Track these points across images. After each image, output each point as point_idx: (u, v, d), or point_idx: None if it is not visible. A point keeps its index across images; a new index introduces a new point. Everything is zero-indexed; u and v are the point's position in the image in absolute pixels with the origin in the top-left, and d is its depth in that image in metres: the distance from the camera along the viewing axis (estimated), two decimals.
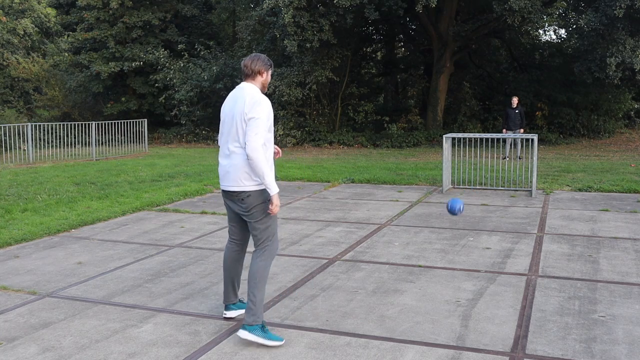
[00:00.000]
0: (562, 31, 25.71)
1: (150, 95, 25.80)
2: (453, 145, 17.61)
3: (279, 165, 14.43)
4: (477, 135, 10.48)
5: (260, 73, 3.96)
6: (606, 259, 5.72)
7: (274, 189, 3.78)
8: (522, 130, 15.72)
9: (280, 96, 20.00)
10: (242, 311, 4.23)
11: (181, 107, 23.62)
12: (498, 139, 18.13)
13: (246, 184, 3.85)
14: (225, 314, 4.24)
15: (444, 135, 10.21)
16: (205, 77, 22.91)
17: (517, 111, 15.62)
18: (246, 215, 3.92)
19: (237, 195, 3.89)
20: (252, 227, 3.93)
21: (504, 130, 15.79)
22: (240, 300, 4.29)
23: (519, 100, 16.25)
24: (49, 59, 28.83)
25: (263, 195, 3.86)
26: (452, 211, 5.38)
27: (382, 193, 10.10)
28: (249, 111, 3.78)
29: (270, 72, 4.04)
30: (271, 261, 3.95)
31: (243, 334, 3.79)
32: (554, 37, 29.99)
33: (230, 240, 4.18)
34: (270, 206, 3.83)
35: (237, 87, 4.00)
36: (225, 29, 30.55)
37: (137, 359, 3.63)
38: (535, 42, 25.48)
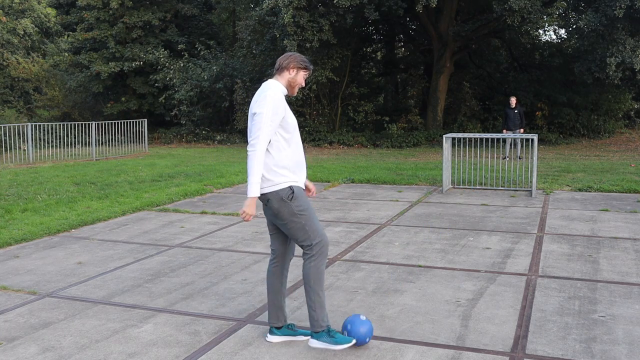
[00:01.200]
0: (562, 31, 25.72)
1: (150, 95, 25.80)
2: (453, 145, 17.61)
3: None
4: (477, 135, 10.48)
5: (287, 69, 3.73)
6: (606, 259, 5.72)
7: (252, 191, 3.52)
8: (522, 130, 15.73)
9: None
10: (286, 338, 3.85)
11: (181, 107, 23.62)
12: (498, 139, 18.14)
13: (264, 186, 3.61)
14: (267, 336, 3.88)
15: (444, 135, 10.20)
16: (205, 77, 22.91)
17: (516, 111, 15.63)
18: (276, 220, 3.68)
19: (262, 198, 3.65)
20: (287, 232, 3.69)
21: (504, 131, 15.81)
22: (288, 327, 3.88)
23: (517, 100, 16.25)
24: (49, 59, 28.83)
25: (283, 196, 3.59)
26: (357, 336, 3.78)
27: (382, 193, 10.10)
28: (252, 106, 3.64)
29: (302, 73, 3.77)
30: (323, 260, 3.68)
31: (313, 342, 3.68)
32: (554, 37, 30.01)
33: (271, 251, 3.92)
34: (240, 211, 3.58)
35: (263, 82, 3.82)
36: (225, 29, 30.56)
37: (137, 359, 3.63)
38: (535, 42, 25.48)
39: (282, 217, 3.63)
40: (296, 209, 3.61)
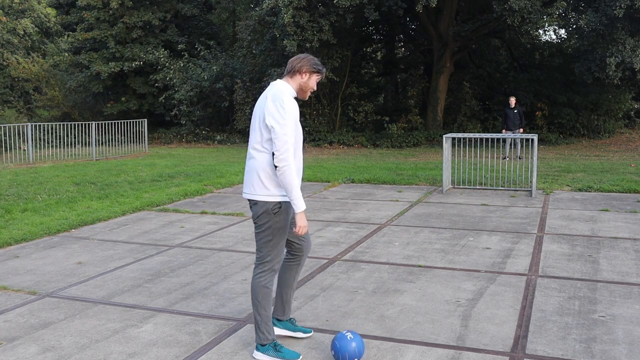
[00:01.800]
0: (562, 31, 25.72)
1: (150, 95, 25.80)
2: (453, 145, 17.61)
3: None
4: (477, 135, 10.48)
5: (300, 72, 3.60)
6: (606, 259, 5.72)
7: (299, 205, 3.44)
8: (521, 130, 15.73)
9: None
10: (285, 332, 3.88)
11: (181, 107, 23.62)
12: (498, 139, 18.14)
13: (257, 192, 3.54)
14: None
15: (444, 135, 10.21)
16: (205, 77, 22.91)
17: (515, 111, 15.65)
18: (254, 224, 3.63)
19: (249, 201, 3.62)
20: (255, 236, 3.64)
21: (504, 131, 15.81)
22: (290, 321, 3.91)
23: (517, 100, 16.26)
24: (49, 59, 28.84)
25: (269, 208, 3.53)
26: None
27: (382, 193, 10.10)
28: (269, 114, 3.44)
29: (315, 77, 3.65)
30: (272, 278, 3.64)
31: (257, 354, 3.62)
32: (554, 37, 30.02)
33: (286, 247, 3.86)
34: (294, 227, 3.54)
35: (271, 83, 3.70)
36: (225, 29, 30.56)
37: (137, 359, 3.63)
38: (535, 42, 25.48)
39: (258, 223, 3.58)
40: (275, 224, 3.55)
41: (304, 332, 3.90)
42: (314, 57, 3.67)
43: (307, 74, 3.62)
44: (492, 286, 4.93)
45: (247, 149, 22.21)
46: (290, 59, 3.66)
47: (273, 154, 3.47)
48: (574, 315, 4.25)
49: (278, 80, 3.65)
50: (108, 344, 3.86)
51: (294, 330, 3.89)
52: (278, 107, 3.43)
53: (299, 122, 3.64)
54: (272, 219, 3.54)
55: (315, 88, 3.72)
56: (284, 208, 3.56)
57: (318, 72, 3.66)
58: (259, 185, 3.54)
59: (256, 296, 3.61)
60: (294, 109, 3.49)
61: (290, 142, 3.42)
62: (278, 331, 3.87)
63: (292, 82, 3.63)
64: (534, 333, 3.94)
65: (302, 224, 3.51)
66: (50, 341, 3.93)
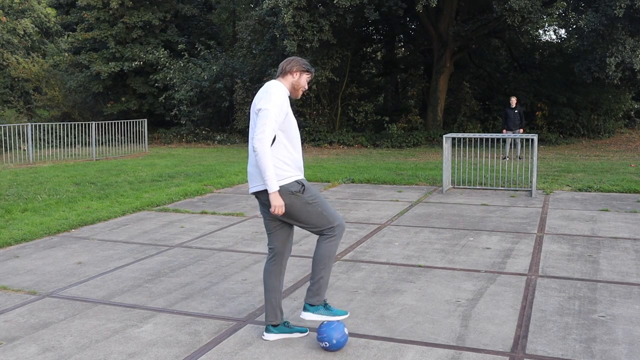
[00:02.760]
0: (562, 31, 25.73)
1: (150, 95, 25.81)
2: (453, 145, 17.62)
3: None
4: (477, 135, 10.48)
5: (291, 73, 3.81)
6: (606, 259, 5.72)
7: (273, 186, 3.55)
8: (521, 130, 15.74)
9: None
10: (283, 336, 3.87)
11: (181, 107, 23.63)
12: (498, 139, 18.14)
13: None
14: (263, 335, 3.90)
15: (444, 135, 10.21)
16: (205, 77, 22.92)
17: (516, 111, 15.65)
18: (285, 217, 3.71)
19: (263, 195, 3.69)
20: (302, 223, 3.73)
21: (504, 131, 15.81)
22: (285, 324, 3.90)
23: (517, 100, 16.26)
24: (49, 59, 28.84)
25: (292, 191, 3.63)
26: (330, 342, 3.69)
27: (382, 193, 10.10)
28: (258, 102, 3.67)
29: (305, 76, 3.85)
30: (339, 240, 3.82)
31: (306, 315, 3.80)
32: (554, 37, 30.02)
33: (268, 249, 3.94)
34: (271, 209, 3.60)
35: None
36: (225, 29, 30.56)
37: (137, 359, 3.63)
38: (535, 42, 25.49)
39: (294, 210, 3.68)
40: (309, 199, 3.70)
41: (301, 332, 3.93)
42: (303, 59, 3.86)
43: (298, 74, 3.81)
44: (492, 286, 4.93)
45: (247, 149, 22.19)
46: (281, 63, 3.85)
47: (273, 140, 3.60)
48: (574, 315, 4.25)
49: (272, 80, 3.80)
50: (108, 344, 3.86)
51: (291, 332, 3.90)
52: (265, 95, 3.65)
53: (293, 117, 3.78)
54: (303, 198, 3.67)
55: (306, 87, 3.89)
56: (306, 185, 3.72)
57: (307, 71, 3.85)
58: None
59: (325, 258, 3.75)
60: (283, 99, 3.64)
61: (271, 126, 3.55)
62: (274, 337, 3.86)
63: (285, 82, 3.82)
64: (534, 333, 3.94)
65: (276, 204, 3.58)
66: (50, 341, 3.93)
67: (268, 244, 3.92)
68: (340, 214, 8.19)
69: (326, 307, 3.83)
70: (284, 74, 3.82)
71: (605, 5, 16.77)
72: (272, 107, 3.58)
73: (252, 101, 21.67)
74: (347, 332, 3.70)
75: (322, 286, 3.80)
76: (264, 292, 3.89)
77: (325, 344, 3.65)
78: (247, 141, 22.96)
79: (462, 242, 6.50)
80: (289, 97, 3.82)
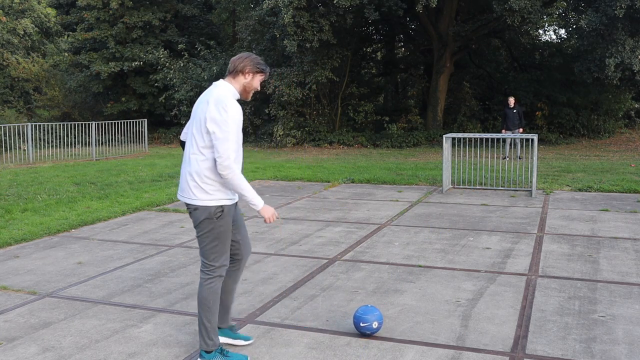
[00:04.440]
0: (562, 31, 25.73)
1: (150, 95, 25.81)
2: (453, 145, 17.61)
3: (279, 165, 14.43)
4: (477, 135, 10.49)
5: (243, 73, 3.47)
6: (606, 259, 5.72)
7: (258, 204, 3.44)
8: (521, 130, 15.75)
9: (280, 96, 20.00)
10: (225, 340, 3.79)
11: (181, 107, 23.63)
12: (498, 139, 18.14)
13: (197, 197, 3.43)
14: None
15: (444, 135, 10.21)
16: (205, 77, 22.92)
17: (515, 111, 15.68)
18: (196, 228, 3.52)
19: (187, 207, 3.51)
20: (198, 242, 3.53)
21: (503, 131, 15.82)
22: (230, 328, 3.82)
23: (516, 100, 16.28)
24: (49, 59, 28.84)
25: (211, 212, 3.42)
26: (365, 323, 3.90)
27: (382, 193, 10.10)
28: (210, 115, 3.33)
29: (259, 77, 3.53)
30: (218, 285, 3.54)
31: None
32: (554, 37, 30.03)
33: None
34: (265, 220, 3.52)
35: (213, 84, 3.55)
36: (225, 29, 30.56)
37: (137, 359, 3.63)
38: (535, 42, 25.48)
39: (202, 229, 3.47)
40: (218, 228, 3.46)
41: (245, 339, 3.79)
42: (257, 57, 3.55)
43: (251, 74, 3.50)
44: (492, 286, 4.93)
45: (246, 149, 22.10)
46: (232, 59, 3.52)
47: (215, 160, 3.37)
48: (574, 315, 4.25)
49: (220, 81, 3.51)
50: (108, 344, 3.86)
51: (235, 338, 3.78)
52: (221, 112, 3.31)
53: (240, 125, 3.53)
54: (215, 224, 3.44)
55: (259, 88, 3.61)
56: (226, 211, 3.47)
57: (262, 71, 3.53)
58: (199, 190, 3.42)
59: (207, 302, 3.50)
60: (237, 113, 3.37)
61: (232, 147, 3.33)
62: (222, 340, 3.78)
63: (235, 82, 3.50)
64: (534, 333, 3.94)
65: (267, 215, 3.52)
66: (50, 341, 3.93)
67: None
68: (340, 214, 8.19)
69: (223, 354, 3.53)
70: (235, 73, 3.48)
71: (605, 5, 16.77)
72: (231, 127, 3.31)
73: (253, 100, 21.35)
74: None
75: (208, 332, 3.50)
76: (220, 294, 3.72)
77: (375, 324, 3.83)
78: (247, 141, 23.00)
79: (462, 242, 6.50)
80: (239, 100, 3.61)
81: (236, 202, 3.64)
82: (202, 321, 3.51)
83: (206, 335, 3.50)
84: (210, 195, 3.42)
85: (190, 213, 3.52)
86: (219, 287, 3.57)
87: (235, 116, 3.34)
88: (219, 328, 3.75)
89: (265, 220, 3.52)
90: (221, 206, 3.45)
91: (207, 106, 3.37)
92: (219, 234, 3.48)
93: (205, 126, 3.35)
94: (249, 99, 3.60)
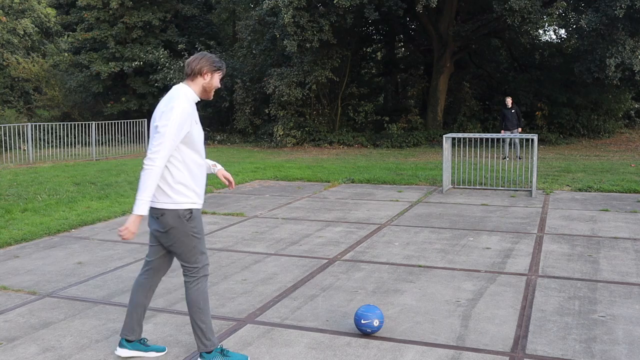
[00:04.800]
0: (562, 31, 25.72)
1: (151, 95, 25.80)
2: (453, 145, 17.61)
3: (279, 165, 14.43)
4: (477, 135, 10.49)
5: (201, 74, 3.45)
6: (606, 259, 5.72)
7: (142, 210, 3.25)
8: (520, 130, 15.77)
9: (280, 96, 20.00)
10: (137, 353, 3.64)
11: None
12: (498, 139, 18.14)
13: (162, 201, 3.37)
14: (116, 349, 3.68)
15: (444, 135, 10.21)
16: None
17: (513, 111, 15.73)
18: (163, 237, 3.45)
19: (152, 212, 3.42)
20: (173, 250, 3.48)
21: (502, 131, 15.84)
22: (140, 341, 3.67)
23: (513, 100, 16.32)
24: (49, 59, 28.83)
25: (179, 215, 3.37)
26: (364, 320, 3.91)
27: (382, 193, 10.10)
28: (158, 118, 3.32)
29: (217, 75, 3.51)
30: (206, 281, 3.54)
31: None
32: (554, 37, 30.00)
33: (145, 262, 3.67)
34: (120, 228, 3.30)
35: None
36: (225, 29, 30.56)
37: (137, 359, 3.63)
38: (535, 42, 25.47)
39: (173, 235, 3.41)
40: (191, 230, 3.42)
41: (158, 350, 3.69)
42: (212, 55, 3.52)
43: (209, 74, 3.48)
44: (492, 286, 4.93)
45: (246, 149, 22.06)
46: (188, 61, 3.49)
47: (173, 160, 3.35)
48: (574, 315, 4.25)
49: (179, 84, 3.50)
50: (108, 344, 3.86)
51: (147, 351, 3.65)
52: (167, 110, 3.31)
53: (200, 131, 3.49)
54: (187, 226, 3.41)
55: (219, 86, 3.59)
56: (195, 214, 3.44)
57: (219, 69, 3.51)
58: (163, 195, 3.37)
59: (197, 304, 3.48)
60: (186, 116, 3.32)
61: (167, 145, 3.27)
62: (127, 352, 3.63)
63: (194, 85, 3.48)
64: (534, 333, 3.94)
65: (129, 227, 3.28)
66: (50, 341, 3.93)
67: (146, 256, 3.65)
68: (340, 214, 8.19)
69: (223, 353, 3.52)
70: (193, 76, 3.46)
71: (605, 5, 16.77)
72: (172, 124, 3.26)
73: (253, 101, 21.40)
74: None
75: (205, 333, 3.49)
76: (129, 303, 3.65)
77: (377, 322, 3.83)
78: (247, 141, 23.01)
79: (462, 242, 6.50)
80: (202, 100, 3.56)
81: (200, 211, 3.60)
82: (196, 323, 3.50)
83: (203, 336, 3.49)
84: (173, 199, 3.37)
85: (157, 219, 3.42)
86: (206, 286, 3.54)
87: (180, 116, 3.29)
88: (128, 341, 3.63)
89: (120, 230, 3.29)
90: (189, 209, 3.41)
91: (158, 108, 3.40)
92: (194, 235, 3.45)
93: (154, 127, 3.34)
94: (211, 97, 3.59)
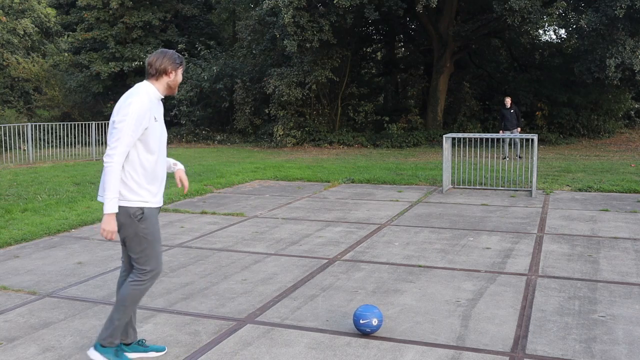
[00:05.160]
0: (562, 31, 25.72)
1: None
2: (453, 145, 17.61)
3: (279, 165, 14.43)
4: (477, 135, 10.49)
5: (166, 73, 3.47)
6: (606, 259, 5.72)
7: (111, 208, 3.26)
8: (519, 130, 15.78)
9: (280, 96, 20.00)
10: (138, 355, 3.64)
11: (181, 107, 23.63)
12: (498, 139, 18.15)
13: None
14: (90, 352, 3.59)
15: (444, 135, 10.21)
16: (205, 77, 22.92)
17: (512, 111, 15.74)
18: (120, 233, 3.43)
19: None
20: (127, 247, 3.46)
21: (501, 131, 15.85)
22: (138, 343, 3.67)
23: (512, 100, 16.32)
24: (49, 59, 28.85)
25: (131, 214, 3.36)
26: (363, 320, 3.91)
27: (382, 193, 10.10)
28: (115, 113, 3.32)
29: (180, 71, 3.53)
30: (147, 287, 3.49)
31: (93, 354, 3.45)
32: (554, 37, 30.00)
33: (122, 262, 3.71)
34: (100, 231, 3.31)
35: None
36: (225, 29, 30.57)
37: (137, 359, 3.63)
38: (535, 42, 25.48)
39: (125, 232, 3.40)
40: (141, 231, 3.40)
41: (158, 350, 3.69)
42: (172, 52, 3.52)
43: (173, 72, 3.50)
44: (492, 286, 4.93)
45: (246, 149, 22.06)
46: (149, 61, 3.48)
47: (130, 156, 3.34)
48: (574, 315, 4.25)
49: (143, 82, 3.50)
50: None
51: (146, 351, 3.66)
52: (124, 106, 3.32)
53: (162, 128, 3.50)
54: (137, 226, 3.38)
55: (181, 79, 3.63)
56: (147, 214, 3.41)
57: (181, 65, 3.54)
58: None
59: (124, 302, 3.45)
60: (144, 112, 3.32)
61: (125, 141, 3.27)
62: (130, 355, 3.61)
63: (158, 84, 3.49)
64: (534, 333, 3.94)
65: (106, 227, 3.30)
66: (50, 341, 3.93)
67: (122, 257, 3.69)
68: (340, 214, 8.19)
69: (117, 354, 3.47)
70: (157, 75, 3.47)
71: (605, 6, 16.77)
72: (129, 120, 3.26)
73: (253, 101, 21.41)
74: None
75: (116, 329, 3.45)
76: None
77: (375, 321, 3.83)
78: (247, 141, 23.00)
79: (462, 242, 6.50)
80: (168, 96, 3.54)
81: (158, 210, 3.58)
82: (112, 317, 3.46)
83: (111, 331, 3.45)
84: (124, 196, 3.35)
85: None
86: (144, 292, 3.50)
87: (138, 112, 3.29)
88: (126, 345, 3.63)
89: (100, 233, 3.36)
90: (140, 208, 3.39)
91: (117, 104, 3.39)
92: (145, 235, 3.41)
93: (112, 123, 3.34)
94: (176, 93, 3.63)
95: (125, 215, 3.37)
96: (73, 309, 4.54)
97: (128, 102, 3.31)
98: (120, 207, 3.35)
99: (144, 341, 3.70)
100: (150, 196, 3.44)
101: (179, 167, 3.85)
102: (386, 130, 21.31)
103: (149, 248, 3.44)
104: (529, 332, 3.95)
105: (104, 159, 3.29)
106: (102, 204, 3.47)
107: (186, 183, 3.85)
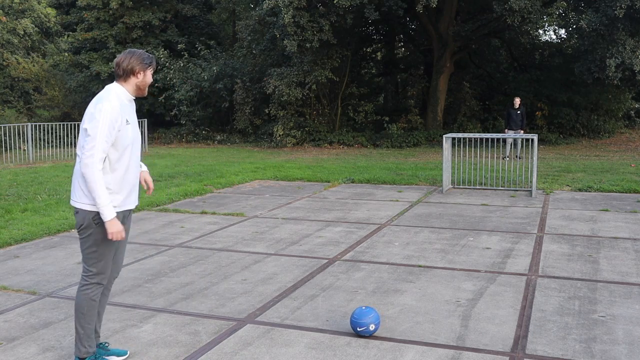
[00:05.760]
0: (562, 31, 25.73)
1: (150, 95, 25.78)
2: (453, 145, 17.61)
3: (279, 165, 14.43)
4: (477, 135, 10.49)
5: (134, 73, 3.40)
6: (606, 259, 5.72)
7: (107, 214, 3.27)
8: (522, 131, 15.75)
9: (280, 96, 20.00)
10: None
11: (181, 107, 23.63)
12: (498, 139, 18.14)
13: (78, 200, 3.36)
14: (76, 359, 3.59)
15: (444, 135, 10.21)
16: (205, 77, 22.92)
17: (519, 112, 15.69)
18: (78, 234, 3.42)
19: (74, 207, 3.40)
20: (80, 243, 3.44)
21: (506, 130, 15.84)
22: (100, 346, 3.62)
23: (521, 101, 16.23)
24: (49, 59, 28.84)
25: (90, 218, 3.34)
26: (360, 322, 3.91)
27: (382, 193, 10.10)
28: (87, 120, 3.27)
29: (149, 71, 3.46)
30: (98, 291, 3.46)
31: None
32: (554, 37, 30.01)
33: None
34: (108, 234, 3.32)
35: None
36: (225, 29, 30.56)
37: (137, 359, 3.63)
38: (535, 42, 25.48)
39: (82, 233, 3.39)
40: (97, 235, 3.38)
41: (119, 354, 3.63)
42: (141, 52, 3.46)
43: (142, 73, 3.43)
44: (492, 286, 4.93)
45: (246, 149, 22.07)
46: (116, 61, 3.43)
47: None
48: (574, 315, 4.25)
49: (112, 83, 3.46)
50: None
51: (108, 355, 3.61)
52: (96, 111, 3.26)
53: (135, 131, 3.47)
54: (94, 230, 3.36)
55: (152, 80, 3.55)
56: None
57: (150, 65, 3.46)
58: (80, 193, 3.35)
59: (81, 309, 3.42)
60: (115, 115, 3.29)
61: (100, 148, 3.23)
62: None
63: (127, 85, 3.44)
64: (534, 333, 3.94)
65: (112, 230, 3.30)
66: (50, 341, 3.93)
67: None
68: (340, 214, 8.18)
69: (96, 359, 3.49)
70: (125, 76, 3.40)
71: (605, 6, 16.76)
72: (102, 126, 3.22)
73: (253, 101, 21.34)
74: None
75: (84, 337, 3.43)
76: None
77: (372, 327, 3.82)
78: (247, 141, 23.00)
79: (462, 242, 6.50)
80: (137, 97, 3.52)
81: (129, 212, 3.57)
82: (76, 327, 3.45)
83: (79, 341, 3.45)
84: (89, 200, 3.33)
85: (74, 215, 3.43)
86: (97, 295, 3.47)
87: (109, 116, 3.25)
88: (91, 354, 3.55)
89: (110, 237, 3.33)
90: (99, 214, 3.35)
91: (88, 108, 3.35)
92: (99, 240, 3.39)
93: (84, 128, 3.30)
94: (146, 94, 3.57)
95: (85, 217, 3.36)
96: (73, 309, 4.54)
97: (99, 108, 3.26)
98: (82, 210, 3.35)
99: (106, 345, 3.67)
100: (116, 201, 3.40)
101: (143, 169, 3.81)
102: (386, 130, 21.31)
103: (98, 251, 3.41)
104: (529, 332, 3.95)
105: (83, 169, 3.24)
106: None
107: (151, 185, 3.82)
